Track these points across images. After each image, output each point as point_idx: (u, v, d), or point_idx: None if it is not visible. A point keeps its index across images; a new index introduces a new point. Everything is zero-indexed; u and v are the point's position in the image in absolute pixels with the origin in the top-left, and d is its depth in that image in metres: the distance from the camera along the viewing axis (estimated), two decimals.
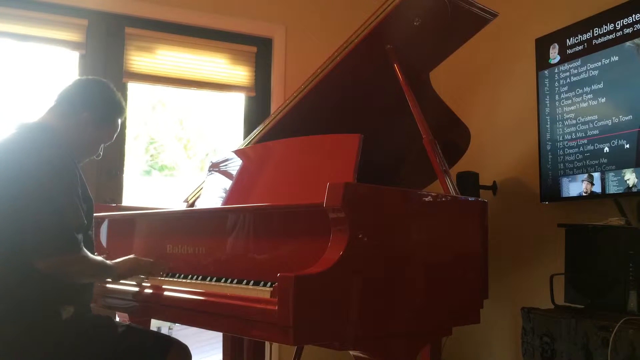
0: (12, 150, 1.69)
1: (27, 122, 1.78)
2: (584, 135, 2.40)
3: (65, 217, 1.61)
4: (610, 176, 2.28)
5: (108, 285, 1.99)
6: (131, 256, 1.88)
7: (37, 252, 1.57)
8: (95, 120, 1.84)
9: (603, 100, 2.34)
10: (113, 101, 1.91)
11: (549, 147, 2.56)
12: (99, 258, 1.76)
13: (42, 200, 1.59)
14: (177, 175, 4.30)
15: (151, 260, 1.90)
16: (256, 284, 1.55)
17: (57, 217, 1.59)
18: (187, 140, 4.27)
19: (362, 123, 2.22)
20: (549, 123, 2.57)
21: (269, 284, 1.50)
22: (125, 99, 3.09)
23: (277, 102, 3.28)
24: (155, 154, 4.27)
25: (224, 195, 2.13)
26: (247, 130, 3.37)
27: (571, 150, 2.46)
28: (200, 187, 2.43)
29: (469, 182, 2.82)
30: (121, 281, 1.94)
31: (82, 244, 1.64)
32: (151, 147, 4.24)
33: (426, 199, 1.73)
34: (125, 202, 3.10)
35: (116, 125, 1.93)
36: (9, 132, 1.74)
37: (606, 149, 2.31)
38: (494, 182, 3.02)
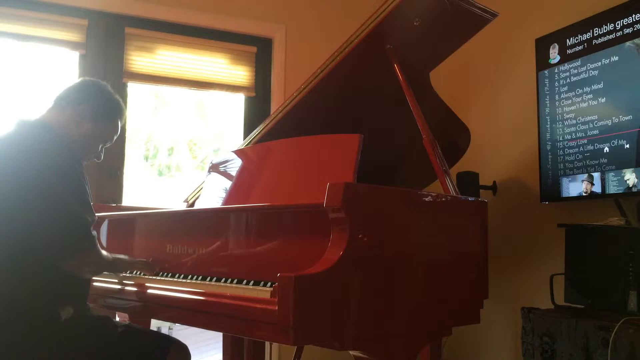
0: (15, 149, 1.68)
1: (26, 119, 1.77)
2: (584, 135, 2.40)
3: (84, 215, 1.63)
4: (610, 176, 2.28)
5: (108, 286, 1.99)
6: (125, 257, 1.95)
7: (64, 252, 1.61)
8: (92, 114, 1.83)
9: (603, 100, 2.34)
10: (110, 99, 1.91)
11: (549, 147, 2.56)
12: (105, 252, 1.80)
13: (58, 203, 1.59)
14: (177, 176, 4.30)
15: (143, 260, 1.96)
16: (256, 284, 1.55)
17: (77, 217, 1.62)
18: (188, 140, 4.27)
19: (362, 123, 2.21)
20: (549, 123, 2.57)
21: (269, 284, 1.50)
22: (126, 99, 3.12)
23: (277, 102, 3.28)
24: (155, 153, 4.27)
25: (223, 195, 2.13)
26: (247, 130, 3.37)
27: (571, 150, 2.46)
28: (200, 187, 2.43)
29: (469, 182, 2.82)
30: (122, 281, 1.95)
31: (96, 239, 1.69)
32: (152, 147, 4.24)
33: (426, 199, 1.73)
34: (125, 202, 3.10)
35: (115, 125, 1.93)
36: (9, 129, 1.74)
37: (606, 149, 2.31)
38: (494, 182, 3.02)
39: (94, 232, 1.67)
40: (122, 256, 1.93)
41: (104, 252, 1.77)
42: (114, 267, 1.87)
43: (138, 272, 1.99)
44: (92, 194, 1.82)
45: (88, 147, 1.87)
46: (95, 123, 1.85)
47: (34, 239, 1.58)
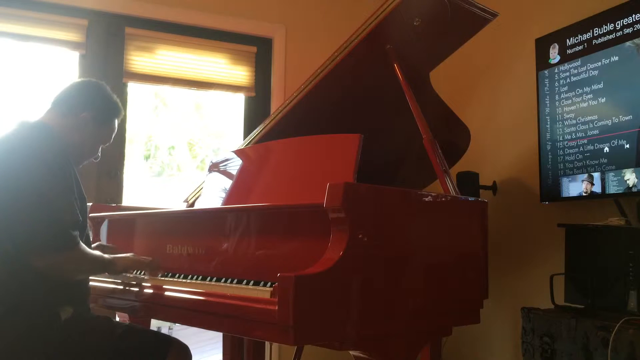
0: (9, 147, 1.69)
1: (27, 120, 1.78)
2: (584, 135, 2.40)
3: (60, 215, 1.61)
4: (610, 176, 2.28)
5: (108, 286, 1.99)
6: (130, 254, 1.89)
7: (34, 251, 1.58)
8: (94, 120, 1.85)
9: (603, 100, 2.34)
10: (110, 102, 1.91)
11: (549, 147, 2.56)
12: (97, 252, 1.77)
13: (36, 200, 1.59)
14: (177, 176, 4.30)
15: (149, 258, 1.90)
16: (256, 284, 1.55)
17: (52, 216, 1.59)
18: (188, 140, 4.26)
19: (362, 123, 2.22)
20: (549, 123, 2.57)
21: (269, 284, 1.50)
22: (125, 99, 3.12)
23: (277, 102, 3.28)
24: (155, 154, 4.27)
25: (223, 195, 2.13)
26: (247, 130, 3.37)
27: (571, 150, 2.46)
28: (200, 187, 2.43)
29: (469, 182, 2.82)
30: (122, 281, 1.95)
31: (78, 239, 1.64)
32: (152, 147, 4.24)
33: (426, 199, 1.73)
34: (125, 202, 3.10)
35: (114, 126, 1.94)
36: (9, 129, 1.75)
37: (606, 149, 2.31)
38: (494, 182, 3.02)
39: (76, 232, 1.63)
40: (126, 255, 1.88)
41: (94, 253, 1.74)
42: (110, 268, 1.81)
43: (141, 272, 1.97)
44: (91, 194, 1.82)
45: (89, 150, 1.89)
46: (98, 128, 1.87)
47: (15, 237, 1.58)
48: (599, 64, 2.35)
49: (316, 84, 2.07)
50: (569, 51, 2.49)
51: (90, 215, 2.14)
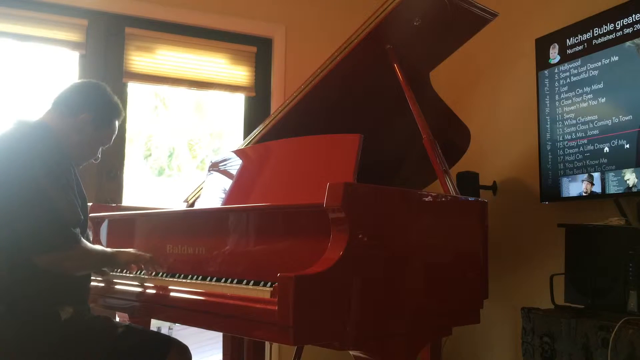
0: (7, 146, 1.69)
1: (24, 119, 1.79)
2: (584, 135, 2.40)
3: (61, 213, 1.62)
4: (610, 176, 2.28)
5: (108, 286, 1.99)
6: (131, 250, 1.91)
7: (35, 249, 1.59)
8: (94, 122, 1.85)
9: (603, 100, 2.34)
10: (110, 103, 1.91)
11: (549, 147, 2.56)
12: (99, 247, 1.80)
13: (36, 198, 1.60)
14: (177, 176, 4.30)
15: (150, 255, 1.90)
16: (256, 284, 1.55)
17: (53, 215, 1.60)
18: (188, 140, 4.26)
19: (362, 123, 2.22)
20: (549, 123, 2.57)
21: (269, 284, 1.50)
22: (125, 99, 3.12)
23: (277, 102, 3.28)
24: (156, 154, 4.27)
25: (223, 195, 2.13)
26: (247, 131, 3.37)
27: (571, 150, 2.46)
28: (200, 187, 2.43)
29: (469, 182, 2.82)
30: (121, 281, 1.95)
31: (80, 236, 1.66)
32: (152, 147, 4.24)
33: (426, 199, 1.73)
34: (125, 202, 3.10)
35: (114, 128, 1.94)
36: (7, 128, 1.75)
37: (606, 149, 2.31)
38: (494, 182, 3.02)
39: (77, 230, 1.65)
40: (127, 249, 1.89)
41: (96, 248, 1.76)
42: (113, 261, 1.83)
43: (141, 272, 1.97)
44: (91, 194, 1.82)
45: (89, 151, 1.90)
46: (97, 130, 1.87)
47: (17, 236, 1.58)
48: (599, 64, 2.35)
49: (316, 84, 2.07)
50: (569, 51, 2.49)
51: (90, 215, 2.15)
